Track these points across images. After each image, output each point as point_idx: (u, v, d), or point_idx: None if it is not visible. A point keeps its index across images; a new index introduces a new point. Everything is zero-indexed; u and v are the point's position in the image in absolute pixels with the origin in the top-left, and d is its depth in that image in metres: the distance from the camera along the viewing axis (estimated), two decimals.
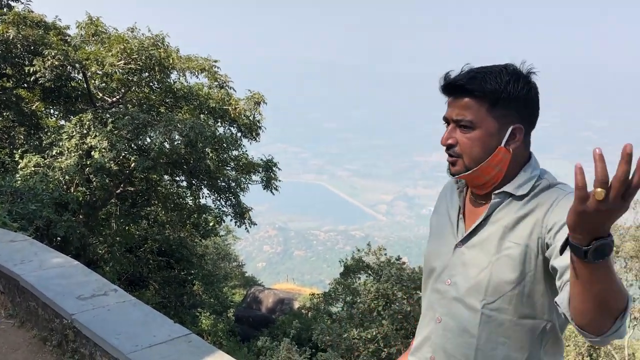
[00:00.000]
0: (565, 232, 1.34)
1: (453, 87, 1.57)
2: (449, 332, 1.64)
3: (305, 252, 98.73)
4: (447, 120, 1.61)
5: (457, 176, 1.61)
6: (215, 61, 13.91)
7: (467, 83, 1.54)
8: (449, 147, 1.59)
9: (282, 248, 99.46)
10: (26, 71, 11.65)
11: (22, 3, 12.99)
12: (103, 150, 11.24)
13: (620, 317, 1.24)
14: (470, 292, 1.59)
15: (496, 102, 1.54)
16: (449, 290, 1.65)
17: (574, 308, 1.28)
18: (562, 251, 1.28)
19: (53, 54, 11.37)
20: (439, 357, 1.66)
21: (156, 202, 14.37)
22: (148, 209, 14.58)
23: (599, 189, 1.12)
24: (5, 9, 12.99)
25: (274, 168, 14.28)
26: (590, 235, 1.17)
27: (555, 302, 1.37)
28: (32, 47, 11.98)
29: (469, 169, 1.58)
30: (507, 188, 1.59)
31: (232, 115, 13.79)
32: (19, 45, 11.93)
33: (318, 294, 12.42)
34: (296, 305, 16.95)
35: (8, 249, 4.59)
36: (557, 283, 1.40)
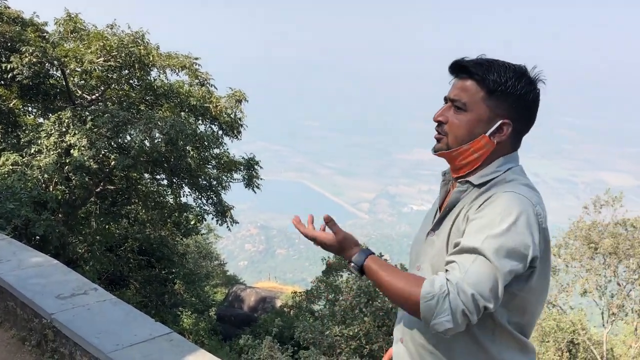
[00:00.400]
0: (466, 229, 1.52)
1: (459, 67, 1.64)
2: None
3: (288, 250, 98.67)
4: (446, 98, 1.68)
5: (436, 153, 1.67)
6: (196, 59, 13.80)
7: (472, 66, 1.61)
8: (438, 124, 1.66)
9: (264, 247, 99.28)
10: (3, 68, 11.47)
11: None
12: (82, 148, 11.11)
13: (422, 313, 1.43)
14: (428, 277, 1.63)
15: (493, 92, 1.59)
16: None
17: None
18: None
19: (31, 50, 11.21)
20: (406, 339, 1.73)
21: (136, 200, 14.24)
22: (128, 207, 14.45)
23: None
24: None
25: (255, 166, 14.23)
26: (347, 258, 1.69)
27: None
28: (9, 44, 11.79)
29: (450, 148, 1.64)
30: (470, 177, 1.65)
31: (213, 113, 13.70)
32: None
33: (300, 292, 12.42)
34: (278, 303, 16.94)
35: None
36: None
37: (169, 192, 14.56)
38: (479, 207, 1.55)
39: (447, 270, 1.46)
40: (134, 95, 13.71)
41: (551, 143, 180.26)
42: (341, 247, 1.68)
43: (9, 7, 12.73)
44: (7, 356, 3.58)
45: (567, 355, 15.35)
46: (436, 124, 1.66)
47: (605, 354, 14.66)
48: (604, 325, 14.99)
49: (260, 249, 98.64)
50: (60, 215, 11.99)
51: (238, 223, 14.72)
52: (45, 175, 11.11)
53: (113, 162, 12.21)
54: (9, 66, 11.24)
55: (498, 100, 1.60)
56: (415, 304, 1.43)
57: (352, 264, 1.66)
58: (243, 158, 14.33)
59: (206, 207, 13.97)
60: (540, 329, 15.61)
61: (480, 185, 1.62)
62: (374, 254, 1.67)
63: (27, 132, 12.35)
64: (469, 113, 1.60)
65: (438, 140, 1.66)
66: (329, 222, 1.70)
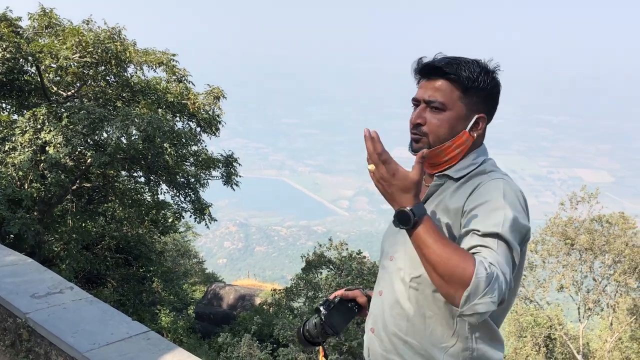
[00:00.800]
0: (472, 217, 1.50)
1: (431, 69, 1.65)
2: (386, 304, 1.73)
3: (267, 248, 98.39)
4: (417, 100, 1.69)
5: (414, 153, 1.67)
6: (174, 55, 13.70)
7: (445, 66, 1.63)
8: (416, 126, 1.67)
9: (243, 244, 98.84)
10: None
11: None
12: (58, 145, 10.94)
13: (468, 290, 1.31)
14: (404, 267, 1.69)
15: (468, 89, 1.64)
16: (391, 266, 1.76)
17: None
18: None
19: (4, 46, 11.02)
20: (377, 328, 1.75)
21: (113, 198, 14.07)
22: (105, 205, 14.28)
23: (369, 165, 1.48)
24: None
25: (234, 163, 14.16)
26: (396, 205, 1.45)
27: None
28: None
29: (432, 147, 1.66)
30: (448, 171, 1.69)
31: (191, 109, 13.60)
32: None
33: (280, 290, 12.40)
34: (257, 301, 16.89)
35: None
36: None
37: (147, 190, 14.41)
38: (470, 195, 1.58)
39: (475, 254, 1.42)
40: (110, 91, 13.55)
41: (528, 140, 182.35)
42: (410, 188, 1.44)
43: None
44: None
45: (544, 350, 15.58)
46: (413, 126, 1.68)
47: (582, 348, 14.91)
48: (580, 320, 15.25)
49: (239, 246, 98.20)
50: (35, 214, 11.80)
51: (217, 221, 14.64)
52: (20, 173, 10.92)
53: (89, 160, 12.05)
54: None
55: (472, 97, 1.65)
56: (465, 279, 1.31)
57: (409, 212, 1.42)
58: (221, 155, 14.24)
59: (184, 205, 13.86)
60: (518, 325, 15.82)
61: (459, 179, 1.67)
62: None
63: (0, 129, 12.14)
64: (447, 112, 1.64)
65: (416, 141, 1.68)
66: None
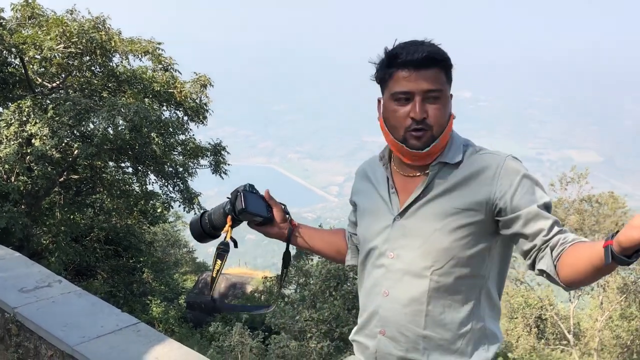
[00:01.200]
0: (540, 222, 1.55)
1: (425, 59, 1.57)
2: (397, 303, 1.67)
3: (257, 235, 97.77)
4: (409, 94, 1.59)
5: (426, 149, 1.61)
6: (159, 43, 13.58)
7: (436, 54, 1.58)
8: (421, 121, 1.59)
9: (233, 232, 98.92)
10: None
11: None
12: (44, 137, 10.85)
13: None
14: (417, 261, 1.64)
15: (448, 72, 1.63)
16: (394, 263, 1.69)
17: (570, 279, 1.50)
18: (607, 258, 1.34)
19: None
20: (389, 330, 1.69)
21: (101, 189, 14.01)
22: (93, 196, 14.22)
23: None
24: None
25: (222, 152, 14.11)
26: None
27: (542, 269, 1.55)
28: None
29: (435, 139, 1.61)
30: (444, 158, 1.65)
31: (178, 98, 13.52)
32: None
33: (271, 277, 12.46)
34: (249, 289, 16.93)
35: None
36: (525, 247, 1.59)
37: (135, 180, 14.35)
38: (495, 178, 1.60)
39: (548, 238, 1.55)
40: (96, 82, 13.44)
41: (516, 123, 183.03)
42: None
43: None
44: None
45: (535, 330, 15.75)
46: (416, 121, 1.59)
47: (572, 328, 15.08)
48: (570, 300, 15.40)
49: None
50: (23, 207, 11.72)
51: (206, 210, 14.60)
52: (6, 166, 10.84)
53: (76, 151, 11.97)
54: None
55: (449, 78, 1.64)
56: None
57: None
58: (209, 144, 14.19)
59: (173, 195, 13.82)
60: (509, 306, 15.96)
61: (457, 164, 1.65)
62: None
63: None
64: (442, 99, 1.60)
65: (419, 137, 1.60)
66: None
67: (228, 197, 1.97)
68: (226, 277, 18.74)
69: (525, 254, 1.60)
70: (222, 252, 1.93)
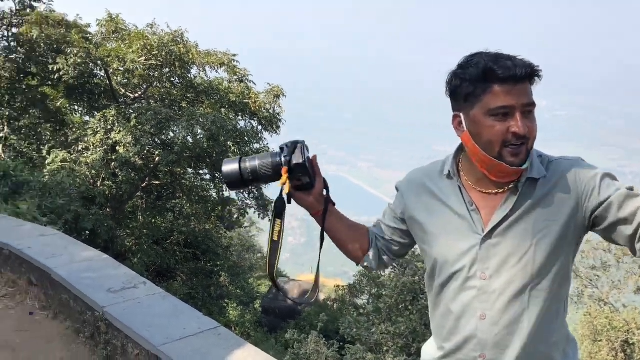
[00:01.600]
0: (634, 201, 1.49)
1: (526, 74, 1.52)
2: (497, 325, 1.62)
3: (328, 243, 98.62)
4: (509, 108, 1.53)
5: (524, 165, 1.55)
6: (234, 55, 13.99)
7: (535, 68, 1.54)
8: (523, 136, 1.53)
9: (305, 239, 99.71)
10: (50, 69, 11.84)
11: (44, 3, 13.15)
12: (128, 145, 11.38)
13: None
14: (515, 281, 1.59)
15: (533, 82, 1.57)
16: (489, 285, 1.62)
17: None
18: None
19: (75, 52, 11.54)
20: (490, 353, 1.63)
21: (181, 195, 14.51)
22: (173, 201, 14.73)
23: None
24: (28, 10, 13.20)
25: None
26: None
27: None
28: (55, 46, 12.17)
29: (529, 153, 1.56)
30: (531, 174, 1.59)
31: (252, 108, 13.87)
32: (42, 45, 12.15)
33: (343, 286, 12.41)
34: (321, 297, 16.98)
35: (39, 243, 4.67)
36: (628, 231, 1.49)
37: (212, 187, 14.77)
38: (578, 183, 1.57)
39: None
40: (175, 92, 13.96)
41: (597, 134, 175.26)
42: None
43: (54, 11, 13.10)
44: (64, 347, 3.69)
45: (622, 355, 14.89)
46: (518, 136, 1.52)
47: None
48: None
49: (301, 241, 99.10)
50: (108, 210, 12.31)
51: None
52: (93, 172, 11.43)
53: (157, 158, 12.47)
54: (55, 67, 11.60)
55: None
56: None
57: None
58: None
59: (248, 202, 14.14)
60: (592, 327, 15.17)
61: (543, 177, 1.59)
62: None
63: (74, 130, 12.72)
64: (533, 112, 1.56)
65: (517, 153, 1.54)
66: None
67: (282, 147, 1.78)
68: (299, 284, 18.89)
69: (632, 238, 1.49)
70: (280, 210, 1.83)
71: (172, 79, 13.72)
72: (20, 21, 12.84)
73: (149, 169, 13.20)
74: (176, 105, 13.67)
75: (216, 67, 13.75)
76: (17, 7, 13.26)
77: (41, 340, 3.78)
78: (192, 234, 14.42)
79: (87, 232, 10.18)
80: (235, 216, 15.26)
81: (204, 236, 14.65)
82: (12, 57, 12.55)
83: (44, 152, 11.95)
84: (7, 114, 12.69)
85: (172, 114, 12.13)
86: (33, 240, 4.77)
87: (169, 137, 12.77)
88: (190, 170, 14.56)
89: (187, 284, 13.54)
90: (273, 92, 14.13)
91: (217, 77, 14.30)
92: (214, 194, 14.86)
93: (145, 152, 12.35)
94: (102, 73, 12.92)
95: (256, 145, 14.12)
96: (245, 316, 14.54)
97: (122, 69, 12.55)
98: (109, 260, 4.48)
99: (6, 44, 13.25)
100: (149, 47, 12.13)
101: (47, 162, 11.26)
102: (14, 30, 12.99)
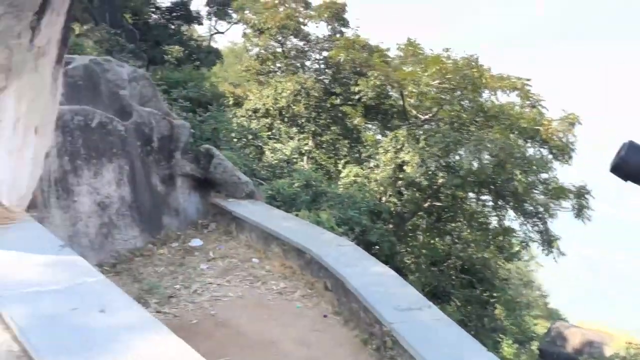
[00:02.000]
0: None
1: None
2: None
3: (619, 290, 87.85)
4: None
5: None
6: (528, 80, 13.40)
7: None
8: None
9: (590, 284, 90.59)
10: (352, 90, 12.93)
11: (352, 29, 14.41)
12: (414, 165, 11.72)
13: None
14: None
15: None
16: None
17: None
18: None
19: (376, 74, 12.36)
20: None
21: (461, 219, 14.37)
22: (452, 225, 14.66)
23: None
24: (337, 35, 14.65)
25: (586, 195, 12.98)
26: None
27: None
28: (358, 69, 13.24)
29: None
30: None
31: (544, 136, 13.08)
32: (347, 67, 13.35)
33: (636, 345, 10.81)
34: (608, 351, 15.07)
35: (336, 252, 5.03)
36: None
37: (493, 214, 14.30)
38: None
39: None
40: (464, 116, 13.93)
41: None
42: None
43: (359, 36, 14.29)
44: (351, 354, 3.89)
45: None
46: None
47: None
48: None
49: (585, 285, 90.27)
50: (390, 226, 12.82)
51: (565, 255, 13.64)
52: (381, 188, 12.08)
53: (441, 180, 12.58)
54: (356, 88, 12.62)
55: None
56: None
57: None
58: (573, 186, 13.20)
59: (531, 234, 13.34)
60: None
61: None
62: None
63: (367, 147, 13.64)
64: None
65: None
66: None
67: None
68: (582, 332, 17.10)
69: None
70: None
71: (463, 102, 13.72)
72: (330, 46, 14.35)
73: (432, 190, 13.37)
74: (464, 128, 13.62)
75: (508, 91, 13.34)
76: (329, 33, 14.87)
77: (333, 342, 4.04)
78: (469, 260, 14.12)
79: (375, 245, 10.64)
80: (516, 248, 14.50)
81: (482, 264, 14.21)
82: (321, 78, 14.08)
83: (340, 166, 13.03)
84: (312, 129, 14.19)
85: (460, 138, 12.12)
86: (332, 249, 5.15)
87: (455, 160, 12.79)
88: (471, 194, 14.34)
89: (461, 310, 13.27)
90: (567, 120, 13.19)
91: (508, 102, 13.87)
92: (495, 222, 14.37)
93: (430, 173, 12.57)
94: (397, 94, 13.56)
95: (544, 175, 13.28)
96: (521, 356, 13.65)
97: (415, 91, 13.02)
98: (397, 279, 4.60)
99: (317, 66, 14.93)
100: (443, 71, 12.36)
101: (341, 175, 12.26)
102: (324, 53, 14.57)
